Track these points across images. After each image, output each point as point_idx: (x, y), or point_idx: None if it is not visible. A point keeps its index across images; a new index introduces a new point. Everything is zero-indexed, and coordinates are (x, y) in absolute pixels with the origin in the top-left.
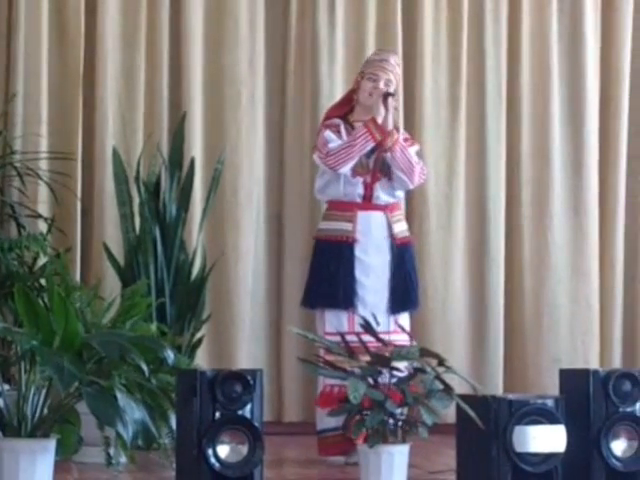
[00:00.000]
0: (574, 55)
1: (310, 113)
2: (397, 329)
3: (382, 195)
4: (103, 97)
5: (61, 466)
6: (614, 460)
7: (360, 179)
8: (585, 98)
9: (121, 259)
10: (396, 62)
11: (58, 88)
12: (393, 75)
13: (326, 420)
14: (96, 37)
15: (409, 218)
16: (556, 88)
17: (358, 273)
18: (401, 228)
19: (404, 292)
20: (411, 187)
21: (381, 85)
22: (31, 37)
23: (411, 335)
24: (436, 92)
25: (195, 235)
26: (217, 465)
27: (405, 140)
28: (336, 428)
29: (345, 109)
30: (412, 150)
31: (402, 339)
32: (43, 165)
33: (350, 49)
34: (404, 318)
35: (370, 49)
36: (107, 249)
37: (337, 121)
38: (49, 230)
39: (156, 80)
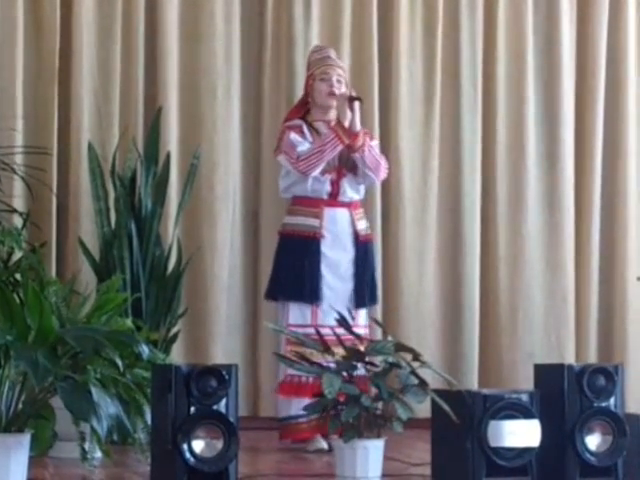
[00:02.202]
0: (550, 49)
1: (286, 107)
2: (358, 324)
3: (348, 191)
4: (78, 92)
5: (36, 461)
6: (588, 455)
7: (328, 177)
8: (561, 92)
9: (96, 254)
10: (336, 55)
11: (33, 83)
12: (341, 69)
13: (285, 408)
14: (72, 31)
15: (383, 213)
16: (531, 82)
17: (323, 268)
18: (363, 225)
19: (367, 287)
20: (377, 183)
21: (334, 80)
22: (6, 31)
23: (385, 328)
24: (411, 87)
25: (171, 230)
26: (192, 460)
27: (364, 134)
28: (299, 416)
29: (302, 111)
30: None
31: (363, 332)
32: (18, 160)
33: (326, 42)
34: (363, 313)
35: (346, 43)
36: (82, 244)
37: (299, 122)
38: (24, 225)
39: (132, 74)
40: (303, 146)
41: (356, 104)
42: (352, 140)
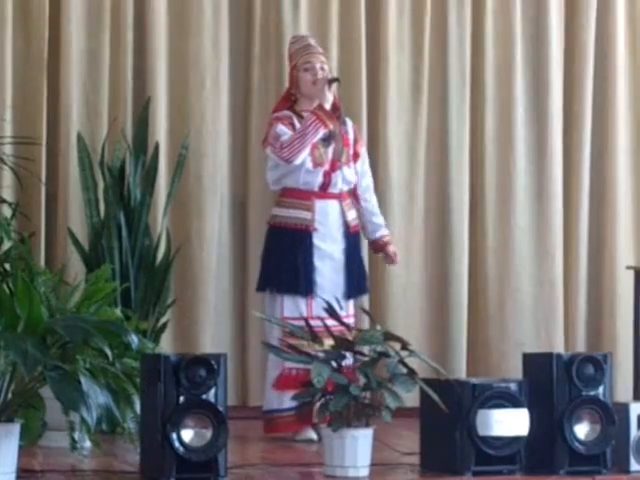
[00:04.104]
0: (538, 39)
1: (275, 98)
2: (349, 313)
3: (340, 183)
4: (67, 82)
5: (26, 451)
6: (577, 443)
7: (320, 169)
8: (549, 82)
9: (86, 244)
10: (315, 42)
11: (22, 72)
12: (323, 56)
13: (276, 401)
14: (60, 21)
15: None
16: (520, 72)
17: (316, 260)
18: (353, 216)
19: (359, 278)
20: None
21: (317, 68)
22: None
23: (373, 318)
24: (399, 78)
25: (160, 220)
26: (181, 449)
27: (356, 141)
28: (286, 409)
29: (289, 103)
30: (363, 151)
31: (351, 322)
32: (7, 150)
33: (314, 33)
34: (351, 303)
35: (334, 34)
36: (71, 234)
37: (288, 113)
38: (13, 215)
39: (120, 65)
40: (287, 135)
41: (334, 86)
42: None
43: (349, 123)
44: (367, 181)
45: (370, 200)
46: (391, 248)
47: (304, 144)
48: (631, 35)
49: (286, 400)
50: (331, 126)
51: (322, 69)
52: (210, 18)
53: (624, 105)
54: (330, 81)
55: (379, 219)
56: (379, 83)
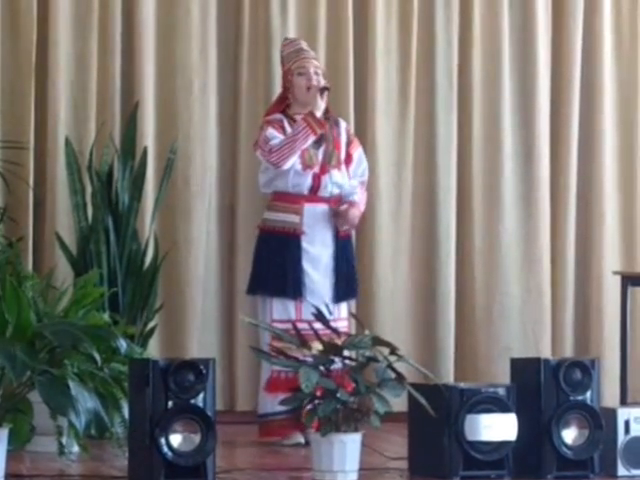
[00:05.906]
0: (525, 43)
1: (263, 101)
2: (340, 317)
3: (329, 186)
4: (55, 85)
5: (13, 455)
6: (565, 448)
7: (310, 172)
8: (536, 85)
9: (73, 248)
10: (307, 46)
11: (10, 76)
12: (316, 60)
13: (270, 404)
14: (48, 24)
15: None
16: (507, 76)
17: (305, 264)
18: None
19: (347, 281)
20: None
21: (311, 73)
22: None
23: (362, 322)
24: (387, 83)
25: (147, 224)
26: (169, 454)
27: (349, 144)
28: (280, 412)
29: (282, 106)
30: (356, 154)
31: (344, 325)
32: None
33: (302, 37)
34: (344, 306)
35: (322, 37)
36: (59, 238)
37: (279, 116)
38: (1, 219)
39: (108, 69)
40: (277, 139)
41: (325, 94)
42: (323, 129)
43: (342, 125)
44: (357, 181)
45: (353, 187)
46: (349, 209)
47: (293, 150)
48: (617, 38)
49: (277, 403)
50: (320, 133)
51: (316, 74)
52: (198, 22)
53: (611, 108)
54: (322, 89)
55: (353, 195)
56: (366, 86)
